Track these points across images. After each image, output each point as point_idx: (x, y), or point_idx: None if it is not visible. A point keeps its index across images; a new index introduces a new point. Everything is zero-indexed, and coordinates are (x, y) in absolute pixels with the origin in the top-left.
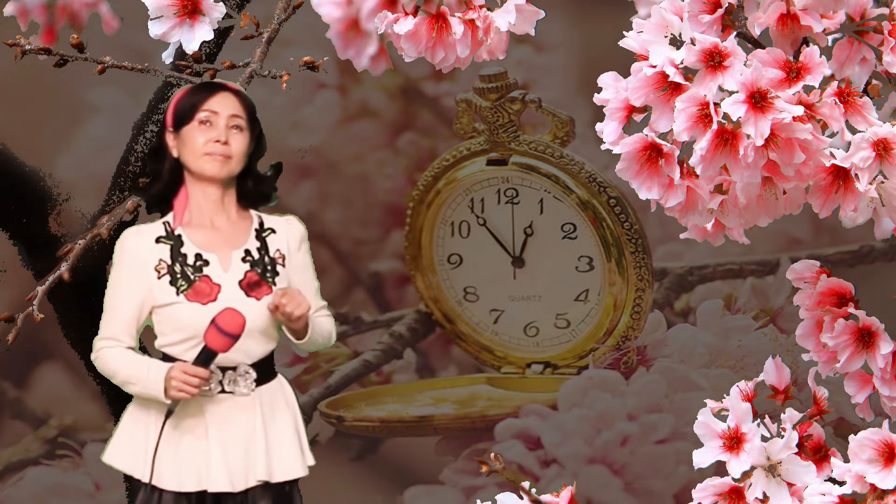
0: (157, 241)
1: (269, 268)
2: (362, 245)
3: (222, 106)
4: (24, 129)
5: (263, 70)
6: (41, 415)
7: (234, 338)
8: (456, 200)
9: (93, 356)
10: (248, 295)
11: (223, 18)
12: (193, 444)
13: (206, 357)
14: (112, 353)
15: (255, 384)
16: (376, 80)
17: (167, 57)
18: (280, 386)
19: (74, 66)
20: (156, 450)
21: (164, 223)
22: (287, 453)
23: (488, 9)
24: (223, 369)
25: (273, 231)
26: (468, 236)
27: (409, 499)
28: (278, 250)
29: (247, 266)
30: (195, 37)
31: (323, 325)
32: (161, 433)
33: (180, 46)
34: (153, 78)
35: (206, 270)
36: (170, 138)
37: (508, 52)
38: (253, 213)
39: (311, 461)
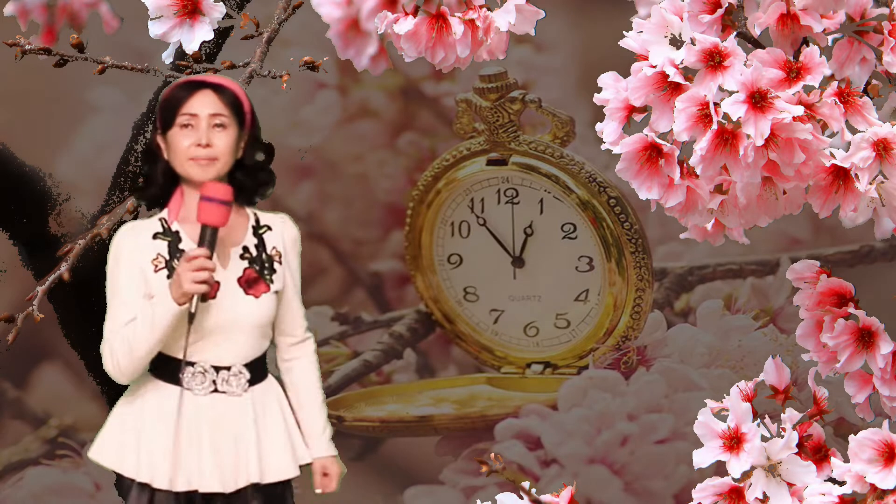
0: (154, 237)
1: (266, 265)
2: (362, 245)
3: (201, 106)
4: (24, 129)
5: (263, 70)
6: (41, 415)
7: (227, 204)
8: (456, 200)
9: (105, 363)
10: (246, 292)
11: (223, 18)
12: (185, 443)
13: (207, 237)
14: (118, 340)
15: (248, 384)
16: (376, 80)
17: (167, 57)
18: (271, 386)
19: (74, 66)
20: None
21: (160, 219)
22: (279, 454)
23: (488, 9)
24: (217, 369)
25: (269, 228)
26: (468, 236)
27: (409, 499)
28: (275, 248)
29: (245, 263)
30: (195, 37)
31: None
32: (149, 429)
33: (180, 46)
34: (153, 78)
35: None
36: (160, 140)
37: (508, 52)
38: (248, 210)
39: (304, 460)
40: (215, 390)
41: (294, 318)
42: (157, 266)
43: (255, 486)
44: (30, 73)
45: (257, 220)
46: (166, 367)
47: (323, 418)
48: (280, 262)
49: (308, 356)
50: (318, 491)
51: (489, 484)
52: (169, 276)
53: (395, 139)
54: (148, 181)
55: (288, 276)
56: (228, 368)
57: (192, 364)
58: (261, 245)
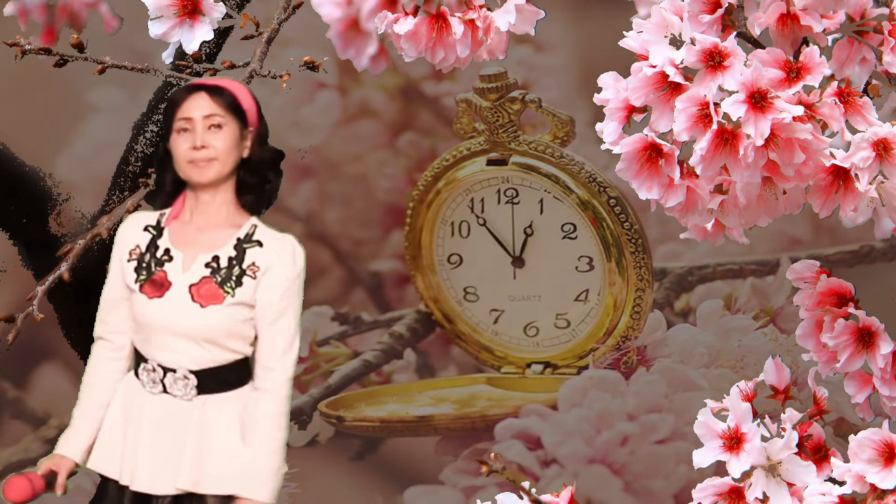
0: (146, 228)
1: (234, 277)
2: (362, 245)
3: (194, 109)
4: (24, 129)
5: (263, 70)
6: (41, 415)
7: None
8: (456, 200)
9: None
10: (193, 300)
11: (223, 18)
12: (131, 438)
13: None
14: (90, 365)
15: (195, 391)
16: (376, 80)
17: (167, 57)
18: (234, 401)
19: (74, 66)
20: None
21: (160, 214)
22: (224, 468)
23: (488, 9)
24: (164, 370)
25: (259, 244)
26: (468, 236)
27: (409, 499)
28: (254, 262)
29: (207, 272)
30: (195, 37)
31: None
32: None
33: (180, 46)
34: (153, 78)
35: (166, 266)
36: (170, 147)
37: (508, 52)
38: (250, 222)
39: (271, 488)
40: (164, 391)
41: (264, 345)
42: (131, 255)
43: (196, 496)
44: (30, 73)
45: (248, 235)
46: (135, 361)
47: (265, 461)
48: (253, 278)
49: (271, 392)
50: None
51: (489, 484)
52: (136, 269)
53: (395, 139)
54: (158, 187)
55: (264, 298)
56: (174, 371)
57: (146, 360)
58: (238, 258)
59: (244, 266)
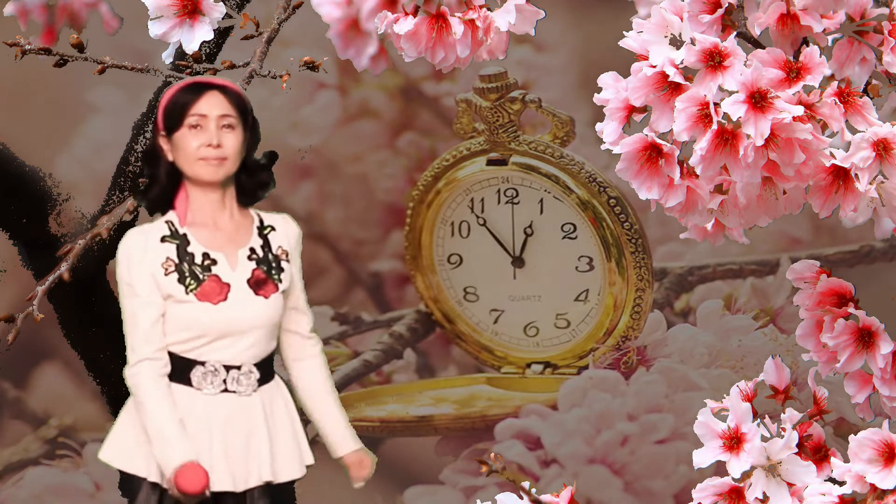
0: (163, 240)
1: (273, 265)
2: (362, 245)
3: (211, 107)
4: (24, 129)
5: (263, 70)
6: (41, 415)
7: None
8: (456, 200)
9: (128, 381)
10: (256, 293)
11: (223, 18)
12: (196, 443)
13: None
14: (147, 385)
15: (257, 384)
16: (376, 80)
17: (167, 57)
18: (278, 386)
19: (74, 66)
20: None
21: (166, 222)
22: (288, 454)
23: (488, 9)
24: (227, 368)
25: (273, 228)
26: (468, 236)
27: (409, 499)
28: (280, 247)
29: (253, 264)
30: (195, 37)
31: (324, 376)
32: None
33: (180, 46)
34: (153, 78)
35: (214, 269)
36: (163, 142)
37: (508, 52)
38: (252, 211)
39: (309, 460)
40: (225, 390)
41: (300, 317)
42: (167, 269)
43: (263, 487)
44: (30, 73)
45: (261, 221)
46: (176, 368)
47: (344, 414)
48: (287, 261)
49: (318, 356)
50: (358, 485)
51: (489, 484)
52: (179, 280)
53: (395, 139)
54: (150, 184)
55: (294, 274)
56: (239, 368)
57: (202, 364)
58: (266, 245)
59: (275, 252)
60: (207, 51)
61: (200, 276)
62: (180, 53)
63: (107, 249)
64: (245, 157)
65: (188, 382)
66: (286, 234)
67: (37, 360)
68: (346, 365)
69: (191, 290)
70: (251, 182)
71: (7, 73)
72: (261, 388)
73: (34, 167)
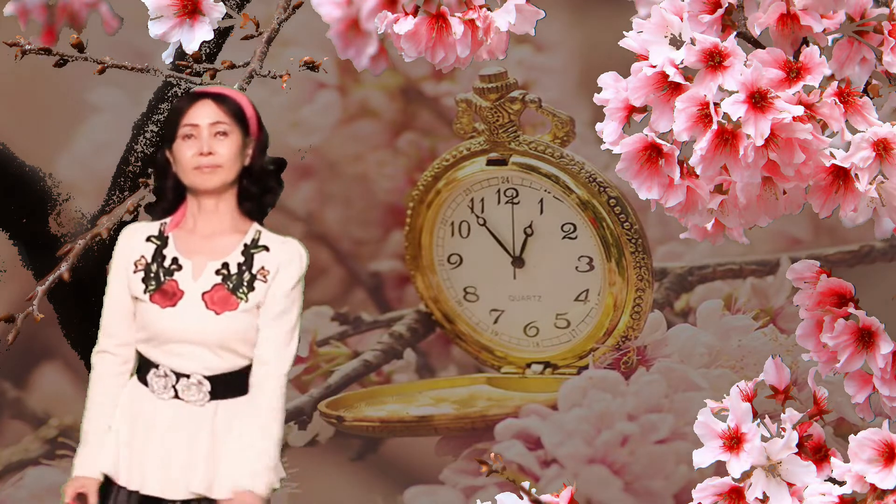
0: (148, 239)
1: (245, 283)
2: (362, 245)
3: (201, 116)
4: (24, 129)
5: (263, 70)
6: (41, 415)
7: None
8: (456, 200)
9: (92, 359)
10: (207, 307)
11: (223, 18)
12: (142, 444)
13: None
14: (95, 379)
15: (208, 396)
16: (376, 80)
17: (167, 57)
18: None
19: (74, 66)
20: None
21: (161, 224)
22: (237, 470)
23: (488, 9)
24: (177, 375)
25: (266, 249)
26: (468, 236)
27: (409, 499)
28: (263, 267)
29: (218, 279)
30: (195, 37)
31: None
32: (115, 426)
33: (180, 46)
34: (153, 78)
35: (176, 275)
36: (169, 154)
37: (508, 52)
38: (254, 228)
39: (275, 483)
40: (176, 396)
41: (262, 338)
42: (136, 267)
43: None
44: (30, 73)
45: (255, 241)
46: (140, 366)
47: (256, 453)
48: (264, 281)
49: (265, 386)
50: None
51: (489, 484)
52: (143, 279)
53: (395, 139)
54: (158, 196)
55: (270, 295)
56: (188, 377)
57: (157, 366)
58: (247, 264)
59: (254, 271)
60: (207, 51)
61: (161, 279)
62: (180, 53)
63: (107, 249)
64: (251, 164)
65: (145, 383)
66: (278, 258)
67: (37, 360)
68: (346, 365)
69: (148, 291)
70: (255, 187)
71: (7, 73)
72: (219, 402)
73: (34, 167)
